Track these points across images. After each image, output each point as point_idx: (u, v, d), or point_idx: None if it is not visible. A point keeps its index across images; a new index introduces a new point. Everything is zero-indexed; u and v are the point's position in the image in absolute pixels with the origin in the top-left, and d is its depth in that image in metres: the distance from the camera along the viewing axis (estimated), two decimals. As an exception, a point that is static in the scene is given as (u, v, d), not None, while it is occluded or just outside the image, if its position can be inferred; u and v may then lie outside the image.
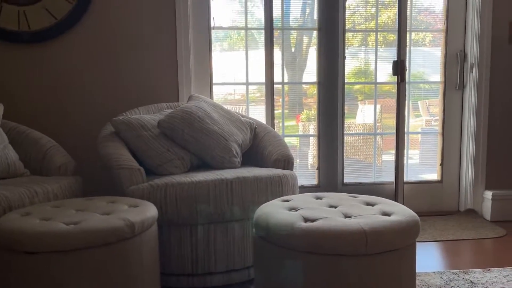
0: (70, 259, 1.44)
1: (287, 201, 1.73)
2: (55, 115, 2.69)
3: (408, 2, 2.96)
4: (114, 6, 2.68)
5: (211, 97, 2.90)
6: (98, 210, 1.66)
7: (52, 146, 2.28)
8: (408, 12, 2.99)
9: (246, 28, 2.99)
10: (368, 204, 1.69)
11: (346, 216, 1.54)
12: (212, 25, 2.87)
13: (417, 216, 1.57)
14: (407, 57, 3.00)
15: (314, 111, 3.13)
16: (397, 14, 2.70)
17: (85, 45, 2.68)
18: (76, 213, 1.63)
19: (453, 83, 3.08)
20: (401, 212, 1.56)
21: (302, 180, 3.06)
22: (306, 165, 3.22)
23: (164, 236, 1.94)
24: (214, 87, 2.94)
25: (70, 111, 2.71)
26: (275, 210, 1.60)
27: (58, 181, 2.05)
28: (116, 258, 1.51)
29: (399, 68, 2.71)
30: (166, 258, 1.96)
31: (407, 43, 3.01)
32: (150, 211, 1.69)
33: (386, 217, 1.51)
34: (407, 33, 2.95)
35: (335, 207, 1.64)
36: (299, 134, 3.28)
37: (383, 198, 1.75)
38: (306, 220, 1.50)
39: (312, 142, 3.17)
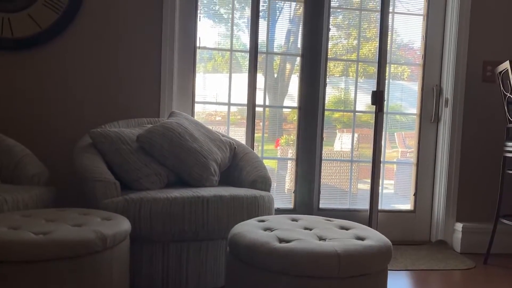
0: (38, 270, 1.40)
1: (263, 221, 1.73)
2: (31, 124, 2.64)
3: (389, 38, 3.07)
4: (100, 18, 2.69)
5: (193, 115, 2.91)
6: (69, 221, 1.62)
7: (26, 155, 2.23)
8: (388, 47, 3.10)
9: (231, 50, 3.04)
10: (342, 228, 1.71)
11: (321, 238, 1.55)
12: (197, 44, 2.91)
13: (390, 242, 1.59)
14: (386, 89, 3.10)
15: (293, 137, 3.17)
16: (378, 45, 2.79)
17: (67, 57, 2.67)
18: (46, 223, 1.59)
19: (428, 116, 3.18)
20: (374, 237, 1.58)
21: (278, 204, 3.07)
22: (283, 188, 3.23)
23: (136, 252, 1.90)
24: (196, 106, 2.95)
25: (47, 121, 2.66)
26: (250, 230, 1.60)
27: (30, 191, 2.00)
28: (86, 271, 1.47)
29: (378, 98, 2.79)
30: (136, 274, 1.91)
31: (386, 76, 3.11)
32: (123, 225, 1.66)
33: (360, 241, 1.53)
34: (387, 65, 3.05)
35: (310, 230, 1.65)
36: (278, 157, 3.30)
37: (357, 223, 1.77)
38: (280, 240, 1.50)
39: (290, 166, 3.19)
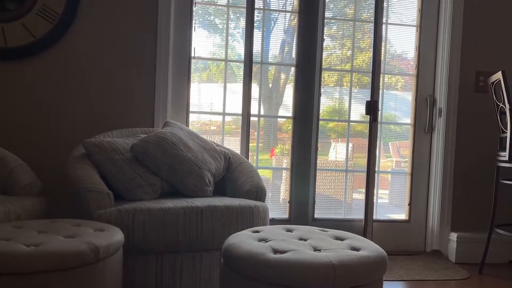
0: (29, 282, 1.37)
1: (258, 232, 1.72)
2: (24, 134, 2.62)
3: (383, 48, 3.10)
4: (94, 29, 2.69)
5: (187, 125, 2.90)
6: (61, 232, 1.60)
7: (18, 165, 2.21)
8: (382, 57, 3.12)
9: (226, 60, 3.05)
10: (337, 238, 1.70)
11: (316, 249, 1.54)
12: (192, 54, 2.92)
13: (385, 252, 1.59)
14: (380, 99, 3.11)
15: (288, 146, 3.17)
16: (372, 55, 2.81)
17: (61, 66, 2.67)
18: (38, 234, 1.57)
19: (422, 125, 3.20)
20: (369, 248, 1.57)
21: (273, 214, 3.05)
22: (278, 198, 3.22)
23: (129, 264, 1.88)
24: (191, 116, 2.95)
25: (40, 131, 2.65)
26: (244, 240, 1.59)
27: (22, 201, 1.97)
28: (78, 283, 1.45)
29: (372, 108, 2.80)
30: (129, 286, 1.89)
31: (380, 86, 3.13)
32: (117, 236, 1.65)
33: (355, 252, 1.52)
34: (381, 75, 3.07)
35: (305, 240, 1.64)
36: (273, 166, 3.30)
37: (352, 234, 1.77)
38: (275, 251, 1.49)
39: (285, 176, 3.19)
